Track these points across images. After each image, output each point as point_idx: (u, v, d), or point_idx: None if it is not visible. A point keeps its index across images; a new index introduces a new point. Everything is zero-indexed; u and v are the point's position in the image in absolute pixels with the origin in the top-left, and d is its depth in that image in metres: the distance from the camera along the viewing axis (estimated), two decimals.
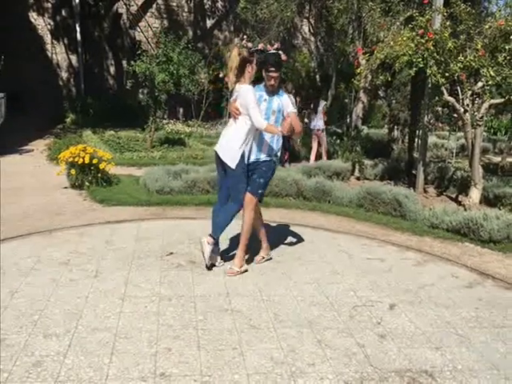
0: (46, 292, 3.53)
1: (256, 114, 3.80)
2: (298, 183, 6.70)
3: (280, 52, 4.20)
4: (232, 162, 3.89)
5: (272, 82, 3.97)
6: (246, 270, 4.08)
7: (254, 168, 4.04)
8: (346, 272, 4.17)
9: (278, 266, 4.25)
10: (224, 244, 4.52)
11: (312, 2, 12.33)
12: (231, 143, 3.92)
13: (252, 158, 4.04)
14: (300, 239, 4.93)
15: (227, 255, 4.32)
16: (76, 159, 6.71)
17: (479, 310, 3.53)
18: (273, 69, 3.93)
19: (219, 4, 18.35)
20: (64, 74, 16.70)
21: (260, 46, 10.59)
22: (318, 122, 9.71)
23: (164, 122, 14.55)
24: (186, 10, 17.99)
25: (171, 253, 4.46)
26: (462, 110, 6.28)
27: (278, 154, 4.19)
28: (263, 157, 4.05)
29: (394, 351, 2.94)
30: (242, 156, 3.91)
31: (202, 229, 4.99)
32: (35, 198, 6.32)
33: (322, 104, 9.97)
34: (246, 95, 3.84)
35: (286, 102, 4.02)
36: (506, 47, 5.94)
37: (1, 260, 4.09)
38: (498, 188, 6.73)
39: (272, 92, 4.03)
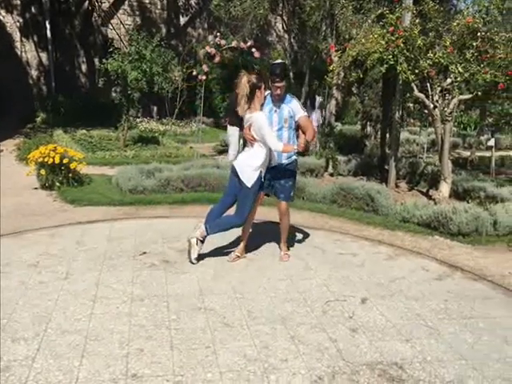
0: (14, 295, 3.46)
1: (271, 139, 3.93)
2: None
3: (284, 62, 4.26)
4: (248, 181, 4.02)
5: (278, 91, 4.08)
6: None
7: (279, 173, 4.20)
8: (319, 268, 4.20)
9: (252, 264, 4.25)
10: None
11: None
12: (249, 163, 4.04)
13: (273, 163, 4.17)
14: (273, 236, 4.93)
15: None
16: (46, 159, 6.58)
17: (448, 302, 3.61)
18: (278, 79, 4.03)
19: (192, 1, 18.22)
20: (34, 73, 16.33)
21: (233, 44, 10.58)
22: (317, 118, 10.09)
23: (137, 120, 14.37)
24: (158, 7, 17.79)
25: (144, 252, 4.41)
26: (432, 105, 6.39)
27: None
28: (285, 160, 4.19)
29: (366, 344, 2.98)
30: (259, 177, 4.03)
31: (175, 228, 4.97)
32: (4, 199, 6.16)
33: (319, 100, 10.22)
34: (258, 123, 3.95)
35: (296, 108, 4.15)
36: (474, 44, 6.06)
37: None
38: (467, 182, 6.88)
39: (279, 101, 4.13)
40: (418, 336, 3.10)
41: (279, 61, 4.25)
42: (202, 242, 4.16)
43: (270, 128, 4.01)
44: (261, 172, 4.05)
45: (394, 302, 3.57)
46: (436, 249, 4.82)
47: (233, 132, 7.55)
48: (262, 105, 4.09)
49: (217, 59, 9.69)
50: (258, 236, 4.79)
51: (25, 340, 2.89)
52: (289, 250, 4.50)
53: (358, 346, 2.96)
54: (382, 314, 3.37)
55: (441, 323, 3.28)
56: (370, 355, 2.87)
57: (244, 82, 3.94)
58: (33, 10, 16.03)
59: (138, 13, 17.49)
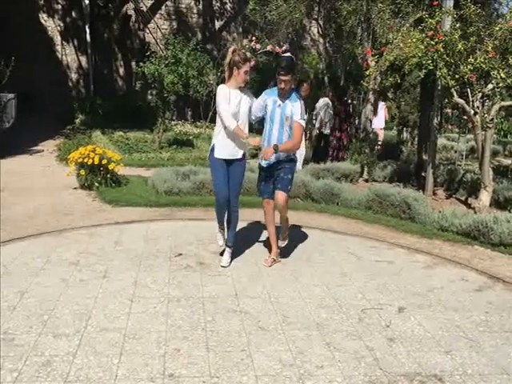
0: (55, 292, 3.56)
1: (224, 114, 3.88)
2: (307, 185, 6.70)
3: (292, 56, 4.21)
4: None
5: (282, 85, 3.99)
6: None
7: (278, 167, 4.18)
8: (354, 274, 4.15)
9: (287, 268, 4.24)
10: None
11: (321, 4, 12.28)
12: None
13: (273, 159, 4.15)
14: (308, 241, 4.92)
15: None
16: (85, 160, 6.75)
17: (489, 314, 3.50)
18: (283, 72, 3.94)
19: (228, 6, 18.38)
20: (74, 75, 16.80)
21: (268, 48, 10.59)
22: (379, 122, 10.57)
23: (172, 123, 14.58)
24: (194, 11, 18.04)
25: (180, 254, 4.47)
26: (472, 112, 6.24)
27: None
28: (284, 156, 4.15)
29: (403, 355, 2.92)
30: (212, 149, 4.04)
31: (210, 230, 5.00)
32: (45, 198, 6.37)
33: (381, 105, 10.45)
34: (217, 95, 3.93)
35: (296, 110, 4.03)
36: None
37: (11, 260, 4.12)
38: (509, 191, 6.66)
39: (284, 96, 4.04)
40: (457, 348, 3.02)
41: (287, 54, 4.15)
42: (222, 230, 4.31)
43: (228, 106, 3.90)
44: (213, 145, 4.00)
45: (432, 312, 3.49)
46: (476, 259, 4.69)
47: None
48: (246, 86, 4.00)
49: (252, 63, 9.72)
50: (291, 240, 4.75)
51: (66, 336, 2.96)
52: (279, 257, 4.39)
53: (395, 356, 2.90)
54: (420, 324, 3.30)
55: (482, 336, 3.18)
56: (408, 366, 2.81)
57: (228, 53, 3.92)
58: (73, 14, 16.52)
59: (174, 17, 17.77)
